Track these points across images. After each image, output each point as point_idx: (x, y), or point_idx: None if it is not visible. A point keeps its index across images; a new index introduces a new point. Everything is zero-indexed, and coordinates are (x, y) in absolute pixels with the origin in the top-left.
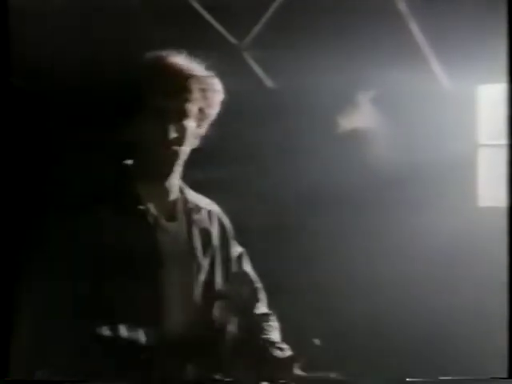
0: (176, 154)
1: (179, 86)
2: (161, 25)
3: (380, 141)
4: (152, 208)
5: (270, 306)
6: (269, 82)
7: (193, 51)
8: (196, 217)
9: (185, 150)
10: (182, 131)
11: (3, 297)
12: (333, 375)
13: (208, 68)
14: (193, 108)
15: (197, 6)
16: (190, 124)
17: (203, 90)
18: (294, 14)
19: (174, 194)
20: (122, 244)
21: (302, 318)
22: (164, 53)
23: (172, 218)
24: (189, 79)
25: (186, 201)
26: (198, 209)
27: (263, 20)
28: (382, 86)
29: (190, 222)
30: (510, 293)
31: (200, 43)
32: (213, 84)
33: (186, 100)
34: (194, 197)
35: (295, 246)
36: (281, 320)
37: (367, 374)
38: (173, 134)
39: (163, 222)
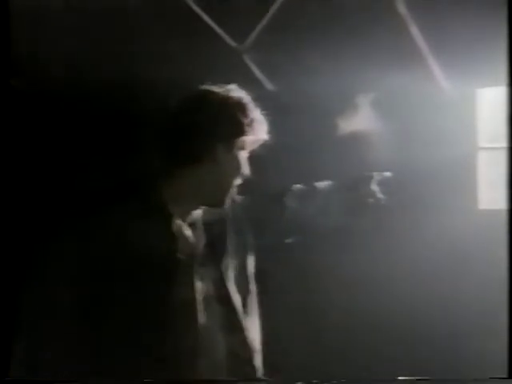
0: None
1: (237, 122)
2: (160, 27)
3: (380, 143)
4: (176, 212)
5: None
6: (268, 85)
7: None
8: (213, 220)
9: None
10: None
11: (5, 297)
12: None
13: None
14: (245, 143)
15: (196, 8)
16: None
17: (254, 126)
18: (294, 16)
19: None
20: (142, 245)
21: (303, 316)
22: (222, 89)
23: (192, 223)
24: (247, 117)
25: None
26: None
27: (263, 22)
28: (381, 89)
29: (208, 227)
30: (510, 294)
31: (200, 46)
32: (261, 119)
33: (241, 136)
34: None
35: (296, 245)
36: (284, 316)
37: (365, 373)
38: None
39: (184, 226)
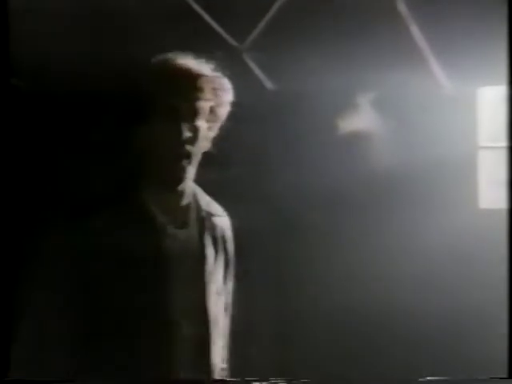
0: (189, 155)
1: (190, 85)
2: (161, 26)
3: (380, 143)
4: (160, 215)
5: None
6: (269, 84)
7: (197, 53)
8: (208, 224)
9: (197, 152)
10: (195, 131)
11: (4, 298)
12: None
13: (214, 69)
14: (204, 107)
15: (197, 7)
16: (202, 124)
17: (214, 89)
18: (295, 16)
19: (186, 199)
20: (127, 252)
21: (305, 314)
22: (171, 55)
23: (183, 224)
24: (199, 78)
25: (199, 207)
26: (210, 216)
27: (264, 22)
28: (382, 88)
29: (202, 229)
30: (510, 293)
31: (200, 45)
32: (222, 83)
33: (198, 98)
34: (207, 202)
35: (298, 245)
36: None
37: (365, 374)
38: (186, 134)
39: (172, 229)
